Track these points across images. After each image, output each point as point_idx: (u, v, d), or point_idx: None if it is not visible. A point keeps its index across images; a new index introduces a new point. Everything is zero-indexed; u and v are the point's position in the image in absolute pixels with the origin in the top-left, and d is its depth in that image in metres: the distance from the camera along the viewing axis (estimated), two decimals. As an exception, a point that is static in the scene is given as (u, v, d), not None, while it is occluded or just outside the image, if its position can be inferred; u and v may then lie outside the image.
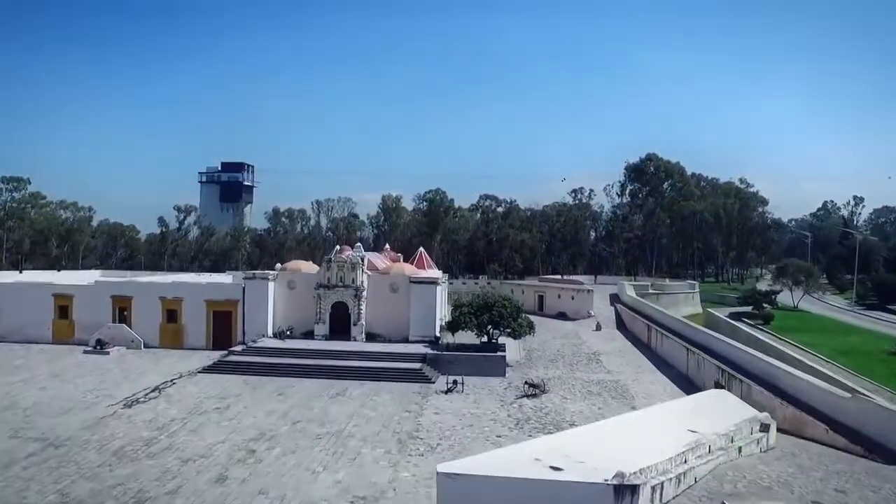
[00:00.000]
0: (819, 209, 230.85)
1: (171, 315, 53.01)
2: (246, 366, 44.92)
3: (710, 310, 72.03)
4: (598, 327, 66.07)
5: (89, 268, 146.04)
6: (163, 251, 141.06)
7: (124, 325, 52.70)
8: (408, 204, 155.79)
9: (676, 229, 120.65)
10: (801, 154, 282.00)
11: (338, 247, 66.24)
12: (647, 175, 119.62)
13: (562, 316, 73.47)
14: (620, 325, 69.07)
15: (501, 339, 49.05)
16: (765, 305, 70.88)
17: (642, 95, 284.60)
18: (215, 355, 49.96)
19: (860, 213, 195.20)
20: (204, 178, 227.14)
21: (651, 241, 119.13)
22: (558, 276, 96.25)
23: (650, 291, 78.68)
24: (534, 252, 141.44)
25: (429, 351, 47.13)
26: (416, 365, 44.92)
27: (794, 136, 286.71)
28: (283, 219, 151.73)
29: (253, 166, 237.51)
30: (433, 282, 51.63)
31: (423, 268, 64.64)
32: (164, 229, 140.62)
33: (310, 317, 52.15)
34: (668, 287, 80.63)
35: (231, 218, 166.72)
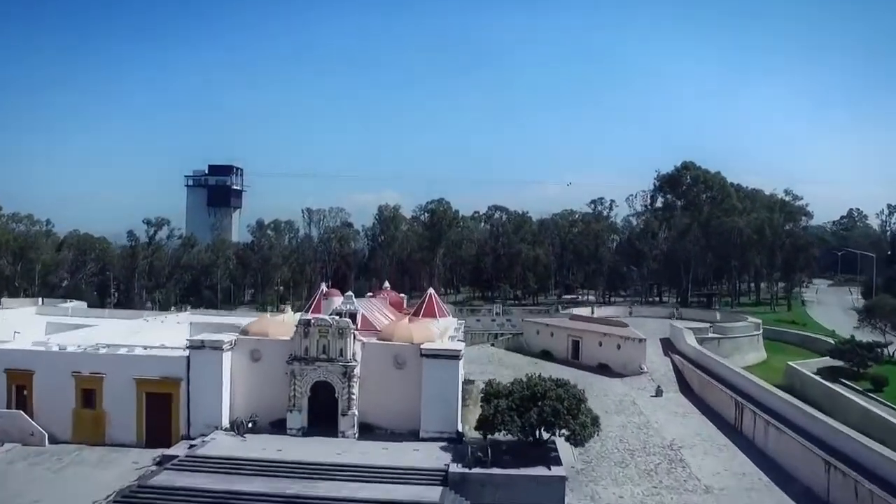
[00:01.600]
0: (843, 217, 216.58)
1: (88, 397, 38.15)
2: (179, 498, 30.04)
3: (791, 364, 57.47)
4: (659, 392, 51.41)
5: (51, 290, 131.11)
6: (133, 267, 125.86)
7: (22, 411, 37.79)
8: (406, 209, 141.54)
9: (711, 246, 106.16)
10: (800, 157, 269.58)
11: (323, 287, 51.74)
12: (683, 186, 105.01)
13: (604, 369, 58.91)
14: (683, 384, 54.47)
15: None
16: (869, 363, 56.36)
17: (644, 96, 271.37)
18: (146, 458, 35.48)
19: (894, 223, 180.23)
20: (190, 182, 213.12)
21: (686, 260, 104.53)
22: (588, 309, 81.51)
23: (710, 335, 64.10)
24: (548, 269, 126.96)
25: (451, 465, 32.24)
26: (434, 495, 30.08)
27: (794, 138, 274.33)
28: (269, 231, 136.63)
29: (242, 169, 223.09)
30: (454, 355, 36.81)
31: (434, 315, 50.05)
32: (133, 244, 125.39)
33: (281, 401, 37.36)
34: (730, 330, 66.10)
35: (221, 224, 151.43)
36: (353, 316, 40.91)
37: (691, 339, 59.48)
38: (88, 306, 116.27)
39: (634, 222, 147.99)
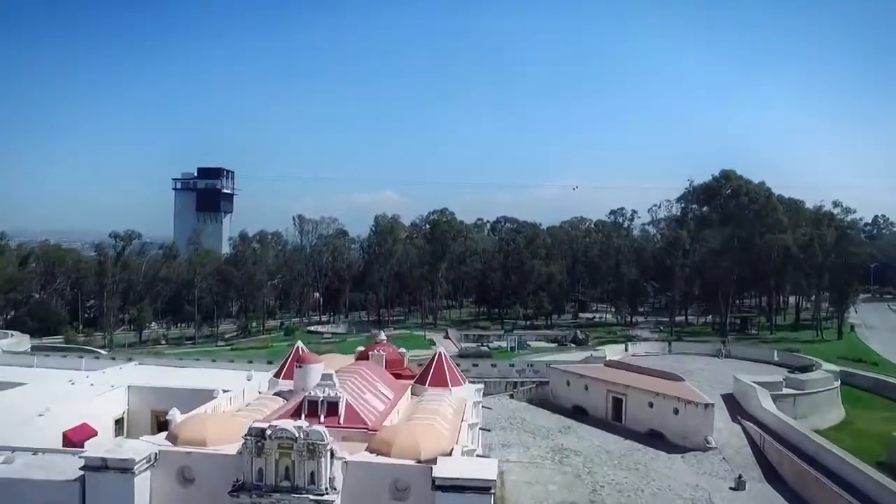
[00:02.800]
0: (867, 224, 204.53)
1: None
2: None
3: (898, 436, 45.20)
4: (741, 484, 39.05)
5: (15, 307, 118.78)
6: (102, 285, 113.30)
7: None
8: (405, 212, 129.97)
9: (750, 262, 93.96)
10: (815, 161, 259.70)
11: (300, 346, 39.41)
12: (722, 197, 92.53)
13: (656, 439, 46.54)
14: (766, 467, 42.10)
15: None
16: None
17: (647, 99, 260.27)
18: None
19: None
20: (178, 185, 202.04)
21: (726, 280, 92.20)
22: (622, 347, 69.66)
23: (784, 392, 51.82)
24: (563, 288, 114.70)
25: None
26: None
27: (807, 142, 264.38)
28: (255, 244, 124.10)
29: (233, 172, 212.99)
30: (484, 487, 24.29)
31: (445, 383, 37.91)
32: (101, 259, 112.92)
33: (223, 547, 24.92)
34: (806, 384, 53.78)
35: (199, 238, 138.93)
36: (334, 405, 28.67)
37: (768, 402, 47.19)
38: (40, 334, 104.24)
39: (652, 232, 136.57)
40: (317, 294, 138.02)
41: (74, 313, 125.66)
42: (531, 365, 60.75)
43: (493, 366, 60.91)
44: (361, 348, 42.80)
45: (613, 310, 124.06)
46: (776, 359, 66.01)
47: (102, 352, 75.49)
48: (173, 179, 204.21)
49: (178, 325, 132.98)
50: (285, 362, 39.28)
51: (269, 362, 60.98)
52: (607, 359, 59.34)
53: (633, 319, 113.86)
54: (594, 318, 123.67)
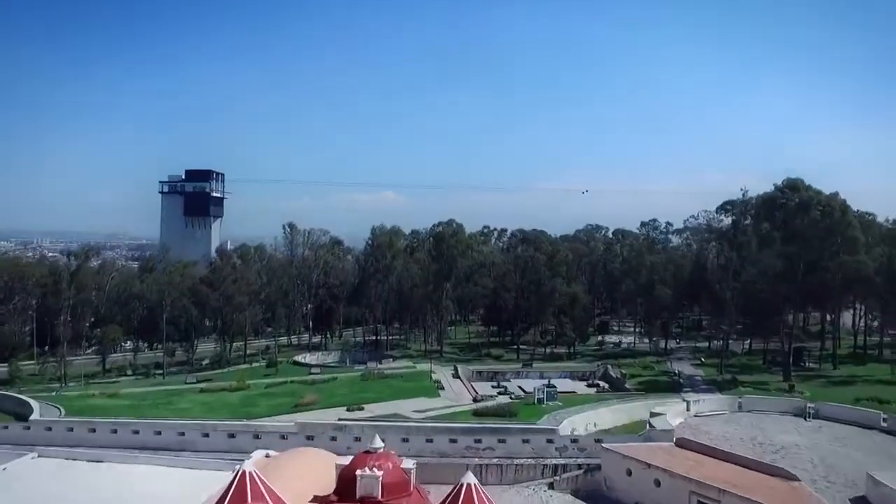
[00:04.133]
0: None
1: None
2: None
3: None
4: None
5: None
6: (59, 307, 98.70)
7: None
8: (405, 213, 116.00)
9: (813, 288, 79.68)
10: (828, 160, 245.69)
11: (250, 473, 24.85)
12: (789, 210, 77.92)
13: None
14: None
15: None
16: None
17: (649, 98, 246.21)
18: None
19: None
20: (165, 189, 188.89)
21: (787, 309, 77.79)
22: (682, 403, 55.32)
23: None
24: (588, 313, 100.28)
25: None
26: None
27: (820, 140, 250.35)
28: (235, 259, 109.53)
29: (223, 174, 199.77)
30: None
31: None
32: (55, 279, 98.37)
33: None
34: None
35: (166, 256, 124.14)
36: None
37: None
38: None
39: (679, 242, 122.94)
40: (310, 306, 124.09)
41: (41, 333, 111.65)
42: (575, 441, 46.19)
43: (526, 441, 46.30)
44: (344, 462, 28.19)
45: (640, 331, 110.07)
46: (884, 424, 51.65)
47: (33, 403, 61.12)
48: (160, 182, 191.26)
49: (154, 346, 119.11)
50: (225, 495, 24.92)
51: (231, 436, 46.66)
52: (677, 435, 44.74)
53: (668, 346, 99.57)
54: (620, 341, 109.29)
